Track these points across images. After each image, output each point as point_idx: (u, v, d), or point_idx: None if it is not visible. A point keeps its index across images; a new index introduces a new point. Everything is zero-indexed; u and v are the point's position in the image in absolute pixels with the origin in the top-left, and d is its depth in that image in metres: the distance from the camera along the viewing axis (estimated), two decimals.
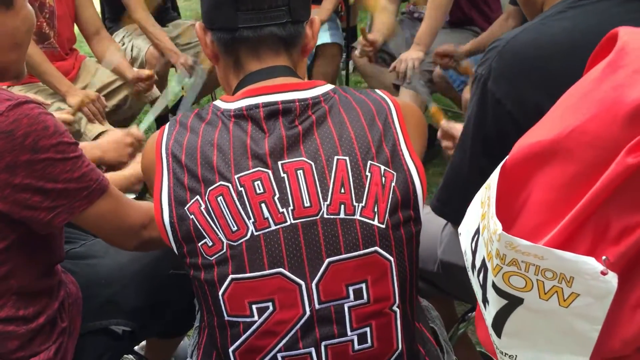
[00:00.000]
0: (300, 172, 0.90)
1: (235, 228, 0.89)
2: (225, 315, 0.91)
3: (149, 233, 1.11)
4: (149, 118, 2.13)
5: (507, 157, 0.62)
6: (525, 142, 0.61)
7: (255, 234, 0.89)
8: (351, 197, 0.90)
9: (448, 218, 1.29)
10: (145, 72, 2.53)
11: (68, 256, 1.23)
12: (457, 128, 1.56)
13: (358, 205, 0.90)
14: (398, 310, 0.93)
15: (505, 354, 0.65)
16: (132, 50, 2.85)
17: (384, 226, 0.91)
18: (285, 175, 0.90)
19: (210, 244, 0.90)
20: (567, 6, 1.09)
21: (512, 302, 0.60)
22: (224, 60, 1.03)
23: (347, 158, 0.91)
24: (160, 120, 3.04)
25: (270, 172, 0.90)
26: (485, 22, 2.62)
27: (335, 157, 0.91)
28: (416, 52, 2.48)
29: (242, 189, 0.89)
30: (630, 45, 0.58)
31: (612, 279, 0.54)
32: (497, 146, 1.12)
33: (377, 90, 1.04)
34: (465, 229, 0.68)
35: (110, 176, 1.33)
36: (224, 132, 0.93)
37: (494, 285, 0.61)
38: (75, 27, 2.60)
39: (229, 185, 0.89)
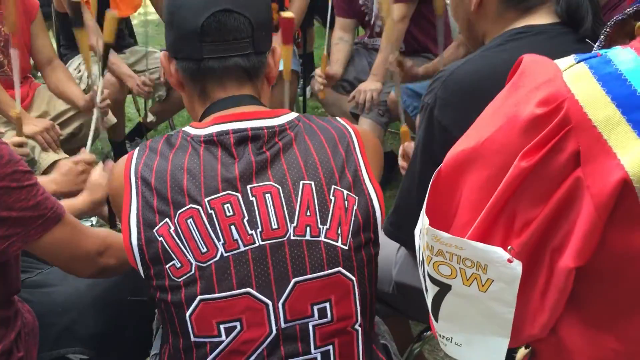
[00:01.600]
0: (268, 195, 0.94)
1: (205, 250, 0.91)
2: (191, 336, 0.92)
3: (106, 260, 1.12)
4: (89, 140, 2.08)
5: (442, 163, 0.69)
6: (454, 150, 0.70)
7: (225, 255, 0.91)
8: (316, 219, 0.94)
9: (400, 242, 1.34)
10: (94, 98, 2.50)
11: (24, 285, 1.21)
12: None
13: (323, 228, 0.94)
14: (360, 329, 0.97)
15: (443, 336, 0.72)
16: (88, 77, 2.83)
17: (346, 247, 0.95)
18: (254, 199, 0.93)
19: (178, 265, 0.91)
20: (505, 39, 1.17)
21: (443, 289, 0.67)
22: (189, 89, 1.06)
23: (312, 182, 0.95)
24: (117, 147, 3.03)
25: (239, 195, 0.93)
26: (437, 47, 2.72)
27: (301, 182, 0.95)
28: (374, 83, 2.57)
29: (212, 211, 0.92)
30: (528, 69, 0.67)
31: (517, 266, 0.61)
32: None
33: (338, 118, 1.09)
34: (418, 230, 0.75)
35: (69, 204, 1.33)
36: (194, 157, 0.95)
37: (428, 274, 0.68)
38: None
39: (199, 208, 0.92)
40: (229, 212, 0.92)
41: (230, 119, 0.99)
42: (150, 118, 2.86)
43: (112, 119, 2.63)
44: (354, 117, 2.71)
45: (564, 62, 0.65)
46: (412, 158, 1.28)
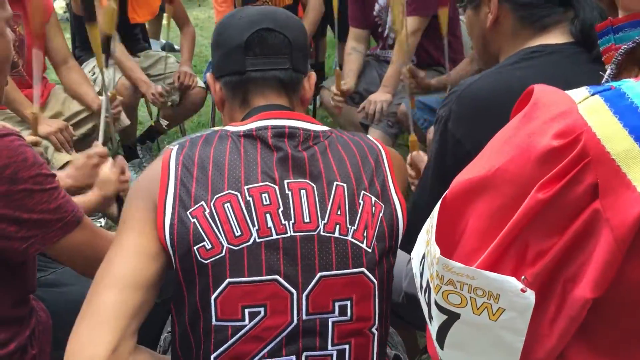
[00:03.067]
0: (303, 191, 0.98)
1: (239, 233, 0.94)
2: (213, 319, 0.94)
3: None
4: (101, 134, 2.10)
5: (447, 191, 0.70)
6: (461, 178, 0.70)
7: (258, 240, 0.94)
8: (346, 219, 0.98)
9: (410, 253, 1.35)
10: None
11: (39, 284, 1.23)
12: (424, 160, 1.65)
13: (351, 228, 0.98)
14: (376, 333, 1.00)
15: None
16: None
17: (370, 250, 0.98)
18: (289, 193, 0.97)
19: (208, 247, 0.93)
20: (521, 57, 1.19)
21: (451, 317, 0.67)
22: (230, 104, 1.12)
23: (344, 185, 1.00)
24: (128, 150, 3.05)
25: (277, 187, 0.97)
26: (450, 63, 2.74)
27: (335, 183, 1.00)
28: (384, 95, 2.59)
29: (250, 198, 0.95)
30: (541, 100, 0.67)
31: (531, 295, 0.62)
32: None
33: (369, 136, 1.14)
34: (416, 254, 0.76)
35: (81, 200, 1.34)
36: (234, 148, 1.00)
37: (435, 303, 0.69)
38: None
39: (238, 194, 0.95)
40: (266, 201, 0.96)
41: (270, 116, 1.04)
42: (164, 123, 2.89)
43: (125, 121, 2.66)
44: (364, 128, 2.73)
45: (577, 94, 0.66)
46: (425, 170, 1.30)
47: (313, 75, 1.16)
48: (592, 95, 0.65)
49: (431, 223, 0.71)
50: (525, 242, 0.64)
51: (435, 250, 0.67)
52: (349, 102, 2.82)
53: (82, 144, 2.57)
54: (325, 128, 1.07)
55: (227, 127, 1.05)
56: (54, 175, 1.04)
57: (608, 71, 0.78)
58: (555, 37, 1.19)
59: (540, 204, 0.61)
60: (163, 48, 3.91)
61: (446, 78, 2.54)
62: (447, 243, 0.69)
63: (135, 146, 3.10)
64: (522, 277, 0.63)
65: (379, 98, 2.59)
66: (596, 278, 0.60)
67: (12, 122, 2.36)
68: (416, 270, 0.75)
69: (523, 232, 0.63)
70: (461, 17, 3.00)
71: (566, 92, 0.68)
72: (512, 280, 0.62)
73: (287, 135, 1.01)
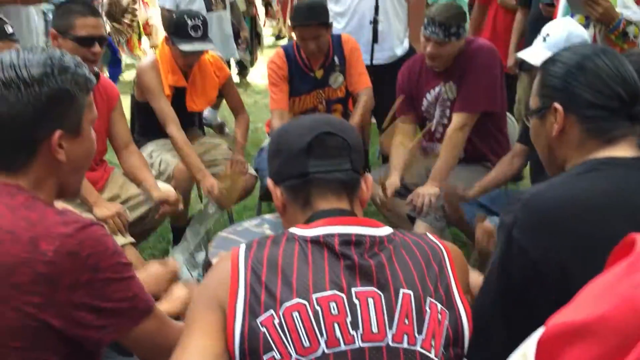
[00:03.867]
0: (370, 300, 0.99)
1: (308, 344, 0.95)
2: None
3: None
4: (180, 257, 2.19)
5: (542, 332, 0.70)
6: (558, 321, 0.69)
7: (326, 352, 0.94)
8: (414, 328, 0.98)
9: (472, 359, 1.33)
10: (172, 195, 2.62)
11: None
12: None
13: (419, 337, 0.98)
14: None
15: None
16: (160, 164, 2.98)
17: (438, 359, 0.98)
18: (357, 301, 0.98)
19: (277, 357, 0.94)
20: (587, 169, 1.21)
21: None
22: (292, 208, 1.14)
23: (411, 292, 1.01)
24: (178, 232, 3.10)
25: (344, 296, 0.98)
26: (495, 156, 2.78)
27: (401, 290, 1.00)
28: (432, 188, 2.61)
29: (318, 308, 0.96)
30: None
31: None
32: (520, 292, 1.19)
33: (429, 234, 1.15)
34: None
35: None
36: (302, 254, 1.02)
37: None
38: None
39: (307, 303, 0.97)
40: (334, 311, 0.97)
41: (336, 222, 1.06)
42: (211, 210, 2.95)
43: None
44: (410, 220, 2.74)
45: None
46: (487, 276, 1.29)
47: (369, 178, 1.19)
48: None
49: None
50: None
51: None
52: (395, 194, 2.85)
53: (135, 226, 2.64)
54: (388, 231, 1.09)
55: (294, 230, 1.07)
56: (130, 264, 1.08)
57: None
58: (622, 150, 1.20)
59: None
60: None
61: (488, 182, 2.56)
62: None
63: (184, 229, 3.16)
64: None
65: (427, 191, 2.62)
66: None
67: (72, 205, 2.45)
68: None
69: None
70: (509, 115, 3.06)
71: None
72: None
73: (354, 243, 1.03)
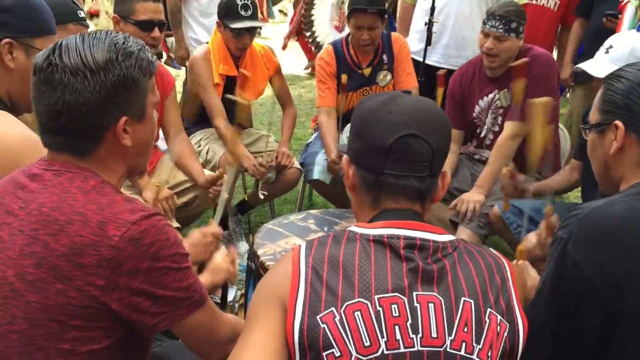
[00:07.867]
0: (431, 305, 0.99)
1: (368, 343, 0.96)
2: None
3: (232, 348, 1.16)
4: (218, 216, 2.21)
5: None
6: None
7: (386, 352, 0.95)
8: (472, 337, 0.98)
9: None
10: (214, 174, 2.65)
11: None
12: (531, 275, 1.61)
13: (476, 347, 0.98)
14: None
15: None
16: (207, 153, 3.03)
17: None
18: (418, 305, 0.99)
19: (337, 354, 0.95)
20: None
21: None
22: (361, 195, 1.13)
23: (472, 301, 1.01)
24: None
25: (406, 299, 0.99)
26: (543, 166, 2.72)
27: (462, 298, 1.00)
28: (478, 195, 2.59)
29: (380, 309, 0.97)
30: None
31: None
32: (571, 308, 1.18)
33: (491, 249, 1.14)
34: None
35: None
36: (364, 254, 1.02)
37: None
38: None
39: (368, 303, 0.98)
40: (395, 313, 0.97)
41: (402, 225, 1.06)
42: (262, 195, 3.00)
43: (223, 194, 2.76)
44: (453, 226, 2.72)
45: None
46: (538, 290, 1.28)
47: (447, 175, 1.16)
48: None
49: None
50: None
51: None
52: None
53: (181, 211, 2.69)
54: (451, 237, 1.08)
55: (355, 229, 1.07)
56: (188, 255, 1.10)
57: None
58: None
59: None
60: None
61: (545, 186, 2.51)
62: None
63: (227, 218, 3.20)
64: None
65: (472, 198, 2.59)
66: None
67: (124, 187, 2.52)
68: None
69: None
70: (561, 126, 3.00)
71: None
72: None
73: (418, 248, 1.03)
